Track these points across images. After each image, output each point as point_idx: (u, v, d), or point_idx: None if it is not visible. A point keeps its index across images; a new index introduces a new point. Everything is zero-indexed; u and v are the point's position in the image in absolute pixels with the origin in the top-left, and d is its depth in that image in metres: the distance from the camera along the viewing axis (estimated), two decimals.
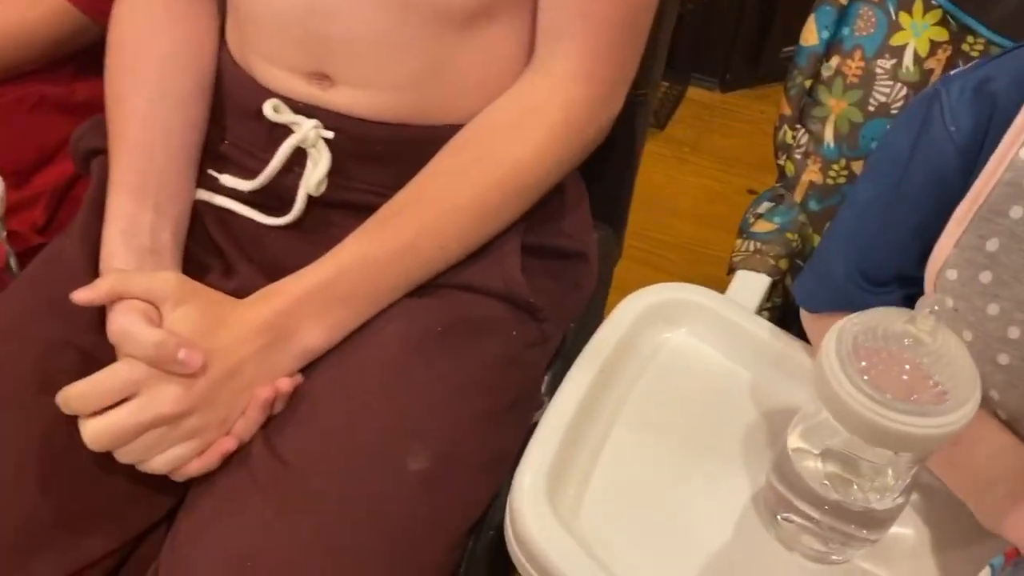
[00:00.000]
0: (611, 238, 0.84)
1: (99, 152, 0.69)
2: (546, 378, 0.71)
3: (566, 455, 0.53)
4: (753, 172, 1.75)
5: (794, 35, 0.71)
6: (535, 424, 0.66)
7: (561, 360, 0.72)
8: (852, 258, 0.55)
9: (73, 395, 0.53)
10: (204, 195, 0.66)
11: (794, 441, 0.49)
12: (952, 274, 0.48)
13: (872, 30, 0.64)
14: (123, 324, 0.55)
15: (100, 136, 0.68)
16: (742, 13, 1.82)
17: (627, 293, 0.65)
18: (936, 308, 0.41)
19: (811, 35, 0.67)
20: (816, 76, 0.68)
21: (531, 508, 0.50)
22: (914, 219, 0.52)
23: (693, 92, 1.93)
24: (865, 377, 0.42)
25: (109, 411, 0.53)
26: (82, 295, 0.56)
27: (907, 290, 0.54)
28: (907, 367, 0.42)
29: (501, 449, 0.63)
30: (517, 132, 0.62)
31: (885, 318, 0.43)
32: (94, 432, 0.53)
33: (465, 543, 0.61)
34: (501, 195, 0.62)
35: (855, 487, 0.47)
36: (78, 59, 0.83)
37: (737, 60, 1.91)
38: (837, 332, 0.43)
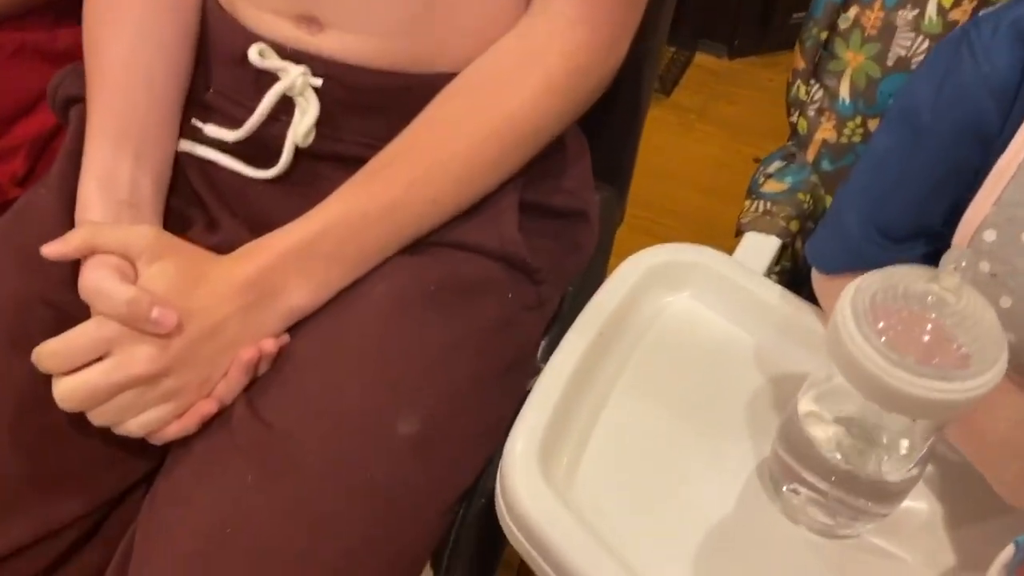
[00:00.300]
0: (613, 198, 0.80)
1: (78, 100, 0.66)
2: (543, 343, 0.68)
3: (561, 422, 0.50)
4: (760, 141, 1.71)
5: (804, 0, 0.67)
6: (530, 391, 0.64)
7: (558, 325, 0.70)
8: (868, 214, 0.52)
9: (45, 353, 0.51)
10: (187, 146, 0.63)
11: (803, 407, 0.46)
12: (990, 235, 0.44)
13: None
14: (95, 280, 0.52)
15: (79, 83, 0.65)
16: None
17: None
18: (963, 264, 0.38)
19: None
20: (833, 28, 0.65)
21: (522, 476, 0.47)
22: (939, 170, 0.48)
23: (700, 58, 1.89)
24: (883, 338, 0.39)
25: (81, 370, 0.51)
26: (53, 249, 0.53)
27: (929, 247, 0.51)
28: (929, 328, 0.39)
29: (494, 415, 0.60)
30: (514, 79, 0.59)
31: (906, 275, 0.40)
32: (65, 391, 0.51)
33: (456, 511, 0.58)
34: (497, 146, 0.59)
35: (868, 457, 0.44)
36: (59, 5, 0.80)
37: (745, 26, 1.86)
38: (854, 290, 0.40)
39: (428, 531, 0.56)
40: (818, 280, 0.56)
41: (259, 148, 0.62)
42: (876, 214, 0.51)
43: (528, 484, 0.47)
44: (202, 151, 0.63)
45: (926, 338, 0.39)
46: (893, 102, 0.56)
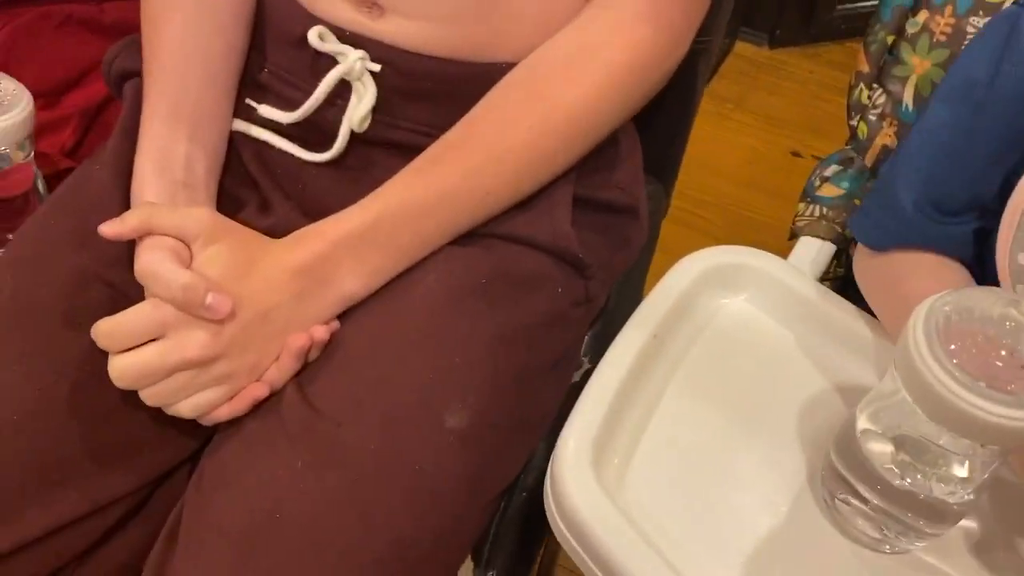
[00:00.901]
0: (659, 193, 0.80)
1: (133, 74, 0.66)
2: (586, 338, 0.68)
3: (612, 422, 0.50)
4: (799, 133, 1.69)
5: None
6: (575, 385, 0.63)
7: (602, 320, 0.69)
8: (921, 187, 0.51)
9: (101, 331, 0.52)
10: (241, 126, 0.63)
11: (863, 421, 0.46)
12: None
13: None
14: (150, 263, 0.52)
15: (134, 57, 0.65)
16: None
17: (663, 253, 0.61)
18: None
19: None
20: (900, 32, 0.63)
21: (574, 475, 0.47)
22: (998, 141, 0.48)
23: (740, 47, 1.87)
24: (955, 361, 0.38)
25: (136, 350, 0.51)
26: (110, 228, 0.53)
27: (980, 223, 0.51)
28: (1003, 354, 0.38)
29: (539, 410, 0.60)
30: (574, 73, 0.58)
31: (983, 299, 0.39)
32: (120, 369, 0.52)
33: (498, 504, 0.59)
34: (554, 140, 0.58)
35: (926, 477, 0.43)
36: None
37: (788, 15, 1.83)
38: (926, 310, 0.40)
39: (471, 523, 0.56)
40: (862, 257, 0.55)
41: (314, 131, 0.62)
42: (931, 188, 0.51)
43: (579, 483, 0.47)
44: (256, 132, 0.63)
45: (999, 363, 0.38)
46: (945, 77, 0.56)
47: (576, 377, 0.66)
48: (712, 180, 1.57)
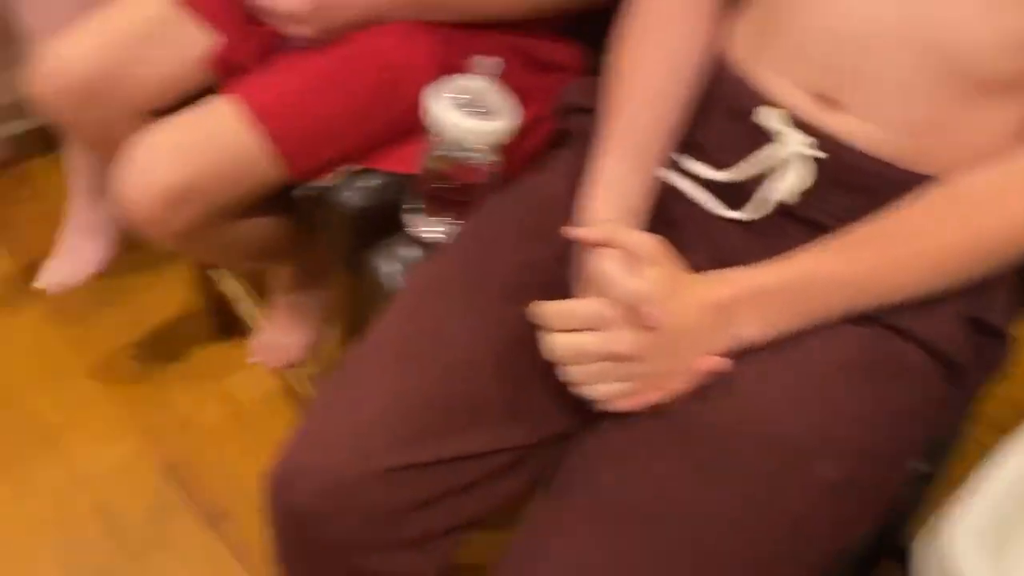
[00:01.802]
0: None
1: (579, 109, 0.77)
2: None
3: (1005, 518, 0.54)
4: None
5: None
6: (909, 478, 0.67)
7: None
8: None
9: (550, 311, 0.62)
10: (666, 173, 0.72)
11: None
12: None
13: None
14: (608, 268, 0.62)
15: (583, 96, 0.77)
16: None
17: None
18: None
19: None
20: None
21: (966, 551, 0.51)
22: None
23: None
24: None
25: (578, 332, 0.61)
26: (579, 233, 0.64)
27: None
28: None
29: (885, 489, 0.65)
30: (996, 203, 0.63)
31: None
32: (561, 345, 0.61)
33: (833, 564, 0.63)
34: (964, 258, 0.63)
35: None
36: (551, 23, 0.93)
37: None
38: None
39: (811, 570, 0.61)
40: None
41: (733, 189, 0.69)
42: None
43: (972, 562, 0.50)
44: (679, 181, 0.72)
45: None
46: None
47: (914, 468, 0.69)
48: None
